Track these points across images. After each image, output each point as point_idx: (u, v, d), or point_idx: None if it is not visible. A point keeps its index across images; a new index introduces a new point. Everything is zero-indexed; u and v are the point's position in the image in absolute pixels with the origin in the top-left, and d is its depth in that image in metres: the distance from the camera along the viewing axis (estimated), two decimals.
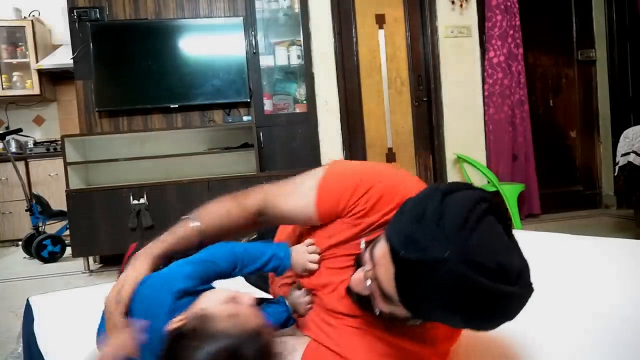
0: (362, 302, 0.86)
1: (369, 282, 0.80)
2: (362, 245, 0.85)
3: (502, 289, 0.70)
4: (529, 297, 0.73)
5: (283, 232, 1.20)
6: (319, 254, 0.98)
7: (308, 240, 0.99)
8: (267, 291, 1.28)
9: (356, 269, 0.87)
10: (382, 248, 0.77)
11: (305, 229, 1.06)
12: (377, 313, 0.82)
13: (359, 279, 0.83)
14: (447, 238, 0.70)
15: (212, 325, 0.72)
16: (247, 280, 1.47)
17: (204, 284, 0.87)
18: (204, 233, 1.02)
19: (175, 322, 0.75)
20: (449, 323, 0.81)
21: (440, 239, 0.70)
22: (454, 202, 0.74)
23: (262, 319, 0.77)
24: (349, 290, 0.89)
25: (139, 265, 0.93)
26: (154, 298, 0.84)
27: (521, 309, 0.74)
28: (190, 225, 1.05)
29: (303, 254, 0.98)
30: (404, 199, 0.83)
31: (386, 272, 0.76)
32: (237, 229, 1.02)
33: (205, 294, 0.83)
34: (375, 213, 0.93)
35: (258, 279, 1.40)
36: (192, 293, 0.84)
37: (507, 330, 0.96)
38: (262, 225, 1.09)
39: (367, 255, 0.82)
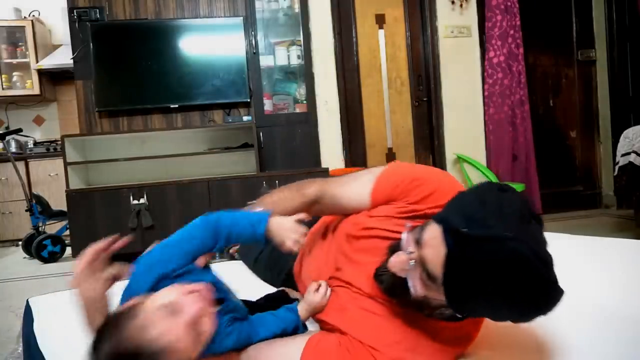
0: (390, 287, 0.87)
1: (412, 262, 0.81)
2: (407, 228, 0.86)
3: (553, 279, 0.75)
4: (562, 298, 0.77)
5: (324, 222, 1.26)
6: (304, 234, 0.96)
7: (299, 215, 0.99)
8: (277, 286, 1.28)
9: (390, 255, 0.88)
10: (432, 230, 0.80)
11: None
12: (412, 295, 0.83)
13: (401, 260, 0.84)
14: (510, 223, 0.74)
15: (127, 323, 0.71)
16: (257, 274, 1.47)
17: (187, 263, 0.86)
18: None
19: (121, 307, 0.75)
20: (488, 310, 0.80)
21: (504, 221, 0.74)
22: (509, 196, 0.79)
23: (185, 336, 0.72)
24: (377, 275, 0.90)
25: None
26: (137, 281, 0.85)
27: (556, 306, 0.77)
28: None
29: (286, 226, 0.94)
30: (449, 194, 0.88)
31: (435, 253, 0.78)
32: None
33: (163, 290, 0.80)
34: (423, 204, 0.98)
35: (268, 272, 1.39)
36: (173, 277, 0.83)
37: (507, 329, 0.96)
38: (315, 213, 1.14)
39: (410, 239, 0.84)
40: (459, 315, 0.83)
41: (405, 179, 1.01)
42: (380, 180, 1.05)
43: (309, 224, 1.32)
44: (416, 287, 0.82)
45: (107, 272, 0.88)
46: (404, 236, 0.86)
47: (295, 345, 0.91)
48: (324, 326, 1.00)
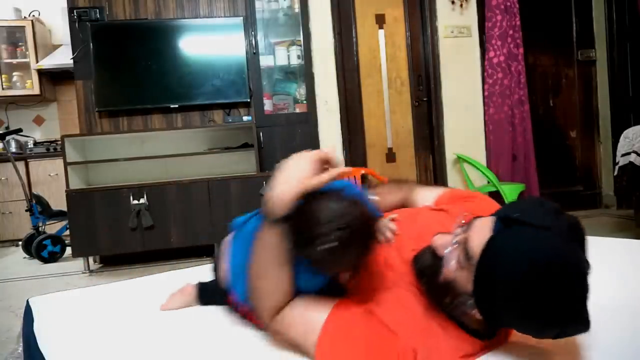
0: (422, 268, 0.92)
1: (455, 241, 0.86)
2: (461, 219, 0.90)
3: (581, 296, 0.78)
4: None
5: None
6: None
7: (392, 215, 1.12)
8: None
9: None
10: (484, 219, 0.85)
11: None
12: (441, 276, 0.87)
13: (445, 239, 0.88)
14: (562, 226, 0.79)
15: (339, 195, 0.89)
16: None
17: None
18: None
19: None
20: (509, 305, 0.79)
21: (558, 222, 0.79)
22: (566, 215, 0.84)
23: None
24: (416, 258, 0.95)
25: None
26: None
27: (573, 329, 0.81)
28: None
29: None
30: None
31: (480, 236, 0.82)
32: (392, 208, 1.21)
33: None
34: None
35: None
36: None
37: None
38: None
39: (459, 226, 0.88)
40: (476, 312, 0.85)
41: (462, 195, 1.18)
42: (442, 194, 1.23)
43: None
44: (450, 267, 0.85)
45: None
46: (456, 227, 0.90)
47: (320, 313, 0.93)
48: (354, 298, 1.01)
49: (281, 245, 0.91)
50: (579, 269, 0.77)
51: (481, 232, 0.82)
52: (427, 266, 0.91)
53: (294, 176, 0.89)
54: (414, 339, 0.87)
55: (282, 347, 0.97)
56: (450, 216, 1.04)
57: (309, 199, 0.88)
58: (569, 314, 0.78)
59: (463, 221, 0.89)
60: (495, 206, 1.06)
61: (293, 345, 0.95)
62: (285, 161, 0.94)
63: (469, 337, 0.91)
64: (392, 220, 1.07)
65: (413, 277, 0.95)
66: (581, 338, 0.98)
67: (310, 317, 0.93)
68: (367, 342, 0.87)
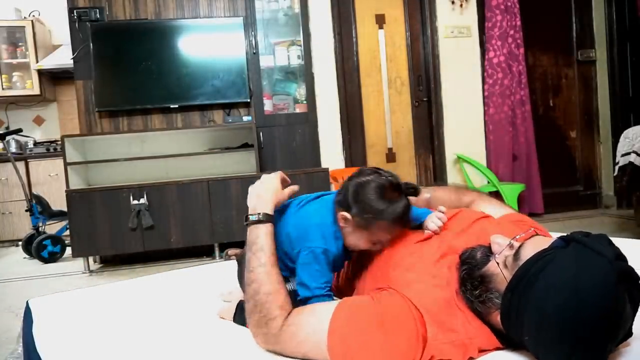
0: (467, 257, 0.95)
1: (512, 242, 0.89)
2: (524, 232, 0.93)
3: (619, 323, 0.76)
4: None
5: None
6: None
7: (441, 207, 1.12)
8: None
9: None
10: (546, 237, 0.91)
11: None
12: (483, 268, 0.90)
13: (504, 239, 0.92)
14: (614, 254, 0.78)
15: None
16: None
17: None
18: (429, 202, 1.24)
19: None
20: (539, 319, 0.77)
21: (611, 250, 0.79)
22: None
23: None
24: (467, 250, 0.97)
25: None
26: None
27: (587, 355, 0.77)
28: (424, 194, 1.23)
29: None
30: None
31: (535, 246, 0.84)
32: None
33: None
34: None
35: None
36: None
37: None
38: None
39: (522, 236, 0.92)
40: (497, 314, 0.86)
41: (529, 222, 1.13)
42: (513, 214, 1.20)
43: None
44: (495, 264, 0.89)
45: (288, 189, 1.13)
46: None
47: (327, 306, 0.96)
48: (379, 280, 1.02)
49: (271, 244, 1.02)
50: (617, 315, 0.74)
51: (538, 243, 0.86)
52: (473, 256, 0.94)
53: (267, 189, 1.09)
54: (431, 320, 0.88)
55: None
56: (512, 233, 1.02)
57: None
58: (585, 349, 0.75)
59: (524, 233, 0.92)
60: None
61: (307, 349, 0.91)
62: (255, 182, 1.12)
63: (488, 331, 0.90)
64: (442, 212, 1.10)
65: (437, 270, 0.97)
66: None
67: (320, 309, 0.95)
68: (380, 316, 0.89)
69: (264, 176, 1.13)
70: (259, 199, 1.08)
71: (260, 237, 1.03)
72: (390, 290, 0.94)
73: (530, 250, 0.84)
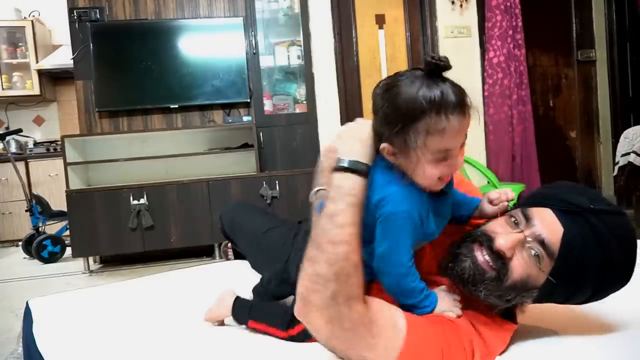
0: (469, 276, 0.87)
1: (530, 239, 0.87)
2: (512, 219, 0.91)
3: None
4: None
5: None
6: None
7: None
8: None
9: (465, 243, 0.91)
10: (543, 214, 0.88)
11: None
12: (507, 279, 0.86)
13: (516, 238, 0.87)
14: (598, 200, 0.89)
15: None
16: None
17: None
18: None
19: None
20: (593, 281, 0.88)
21: (598, 200, 0.89)
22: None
23: None
24: (450, 266, 0.90)
25: None
26: None
27: None
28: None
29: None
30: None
31: (553, 230, 0.86)
32: None
33: None
34: None
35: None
36: None
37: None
38: None
39: (521, 220, 0.90)
40: (529, 301, 0.90)
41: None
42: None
43: None
44: (518, 267, 0.86)
45: None
46: (497, 225, 0.91)
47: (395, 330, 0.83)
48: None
49: (357, 197, 0.82)
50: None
51: (552, 226, 0.86)
52: (479, 271, 0.86)
53: (370, 137, 0.87)
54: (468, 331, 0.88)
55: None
56: None
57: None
58: (630, 274, 0.89)
59: (514, 219, 0.91)
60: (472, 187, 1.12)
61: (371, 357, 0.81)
62: (345, 125, 0.93)
63: (505, 323, 0.93)
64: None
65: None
66: (581, 337, 0.98)
67: (395, 316, 0.84)
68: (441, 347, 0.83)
69: (362, 120, 0.92)
70: (362, 144, 0.85)
71: (356, 190, 0.82)
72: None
73: (553, 236, 0.85)
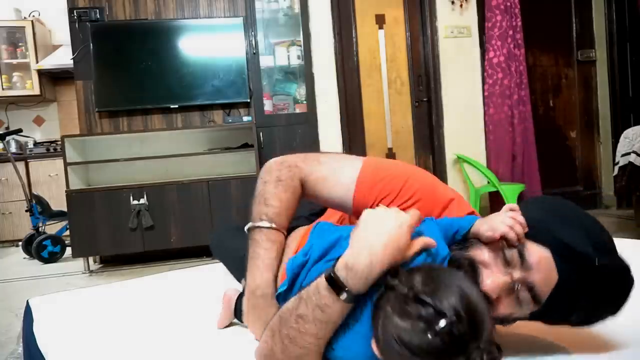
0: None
1: (518, 286, 0.81)
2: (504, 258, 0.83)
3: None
4: None
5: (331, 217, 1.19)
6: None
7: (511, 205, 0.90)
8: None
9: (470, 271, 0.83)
10: (539, 253, 0.81)
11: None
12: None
13: (503, 283, 0.81)
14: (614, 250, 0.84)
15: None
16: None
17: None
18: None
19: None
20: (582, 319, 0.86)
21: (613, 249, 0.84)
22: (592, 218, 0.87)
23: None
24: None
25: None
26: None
27: None
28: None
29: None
30: (441, 204, 0.94)
31: (547, 278, 0.80)
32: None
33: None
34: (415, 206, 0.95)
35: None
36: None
37: (510, 329, 0.96)
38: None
39: (499, 260, 0.82)
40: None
41: (385, 184, 0.97)
42: (360, 181, 0.98)
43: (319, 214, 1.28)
44: (501, 307, 0.82)
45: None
46: (487, 255, 0.83)
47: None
48: None
49: (336, 322, 0.76)
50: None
51: (546, 274, 0.80)
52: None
53: (384, 243, 0.74)
54: None
55: None
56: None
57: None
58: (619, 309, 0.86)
59: (508, 254, 0.82)
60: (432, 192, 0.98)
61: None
62: (372, 216, 0.79)
63: None
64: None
65: None
66: (581, 338, 0.98)
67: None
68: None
69: (395, 214, 0.78)
70: (365, 262, 0.73)
71: (338, 315, 0.76)
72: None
73: (541, 280, 0.81)
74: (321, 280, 0.76)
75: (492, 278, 0.80)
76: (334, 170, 1.00)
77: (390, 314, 0.68)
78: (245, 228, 0.98)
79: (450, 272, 0.75)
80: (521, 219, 0.83)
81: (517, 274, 0.81)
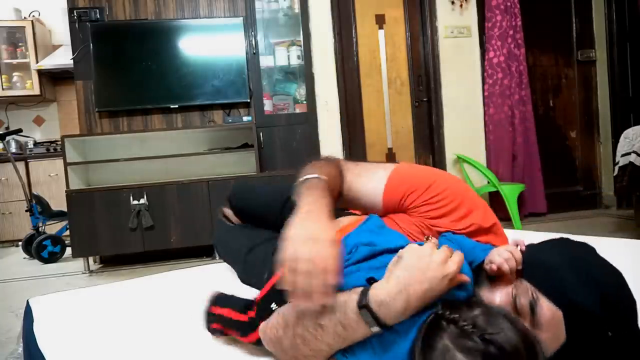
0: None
1: (519, 304, 0.79)
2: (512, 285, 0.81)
3: None
4: None
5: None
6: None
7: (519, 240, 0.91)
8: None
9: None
10: (551, 313, 0.77)
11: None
12: None
13: (503, 299, 0.80)
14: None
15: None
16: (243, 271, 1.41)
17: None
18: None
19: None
20: None
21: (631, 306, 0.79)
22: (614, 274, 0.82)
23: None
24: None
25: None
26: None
27: None
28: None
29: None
30: (470, 211, 0.96)
31: (555, 338, 0.77)
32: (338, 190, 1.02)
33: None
34: (445, 218, 0.97)
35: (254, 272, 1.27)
36: None
37: None
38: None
39: (524, 311, 0.79)
40: None
41: (418, 185, 0.99)
42: (391, 178, 1.03)
43: None
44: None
45: None
46: (498, 301, 0.81)
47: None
48: None
49: (355, 340, 0.75)
50: None
51: (557, 334, 0.77)
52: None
53: (425, 290, 0.72)
54: None
55: None
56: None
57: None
58: None
59: (520, 303, 0.79)
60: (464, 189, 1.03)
61: None
62: (416, 256, 0.74)
63: None
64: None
65: None
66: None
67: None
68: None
69: (439, 261, 0.73)
70: (403, 299, 0.72)
71: (360, 336, 0.75)
72: None
73: (549, 340, 0.76)
74: (351, 303, 0.74)
75: (492, 294, 0.80)
76: (368, 169, 1.08)
77: (452, 349, 0.68)
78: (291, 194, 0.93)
79: (500, 309, 0.76)
80: (518, 255, 0.82)
81: (523, 295, 0.79)
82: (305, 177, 0.91)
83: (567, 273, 0.79)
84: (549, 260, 0.82)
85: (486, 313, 0.71)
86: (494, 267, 0.82)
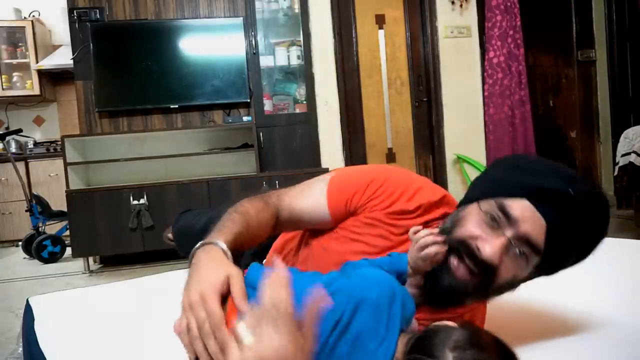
0: (443, 289, 0.84)
1: (514, 242, 0.81)
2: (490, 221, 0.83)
3: None
4: None
5: (280, 240, 1.18)
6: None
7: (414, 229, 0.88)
8: None
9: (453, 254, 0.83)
10: (518, 204, 0.81)
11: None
12: (495, 282, 0.82)
13: (500, 244, 0.81)
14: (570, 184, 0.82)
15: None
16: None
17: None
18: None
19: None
20: (575, 259, 0.87)
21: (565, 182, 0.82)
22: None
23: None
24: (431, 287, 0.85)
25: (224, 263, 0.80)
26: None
27: None
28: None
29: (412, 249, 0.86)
30: (417, 190, 0.96)
31: (536, 225, 0.80)
32: (266, 230, 0.97)
33: None
34: (397, 203, 0.96)
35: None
36: None
37: (505, 329, 0.96)
38: (277, 230, 1.03)
39: (499, 218, 0.82)
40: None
41: (359, 185, 0.98)
42: (331, 186, 1.01)
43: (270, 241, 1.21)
44: (505, 271, 0.82)
45: None
46: (472, 228, 0.83)
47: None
48: None
49: None
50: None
51: (533, 222, 0.80)
52: (464, 288, 0.83)
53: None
54: None
55: None
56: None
57: None
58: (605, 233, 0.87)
59: (492, 216, 0.83)
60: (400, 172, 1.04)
61: None
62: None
63: None
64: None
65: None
66: (581, 338, 0.98)
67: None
68: None
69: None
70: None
71: None
72: None
73: (532, 228, 0.81)
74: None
75: (489, 245, 0.81)
76: (304, 187, 1.05)
77: None
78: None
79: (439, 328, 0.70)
80: (422, 234, 0.84)
81: (508, 232, 0.81)
82: (201, 243, 0.85)
83: (514, 173, 0.86)
84: (494, 176, 0.89)
85: (429, 337, 0.67)
86: (430, 250, 0.82)
